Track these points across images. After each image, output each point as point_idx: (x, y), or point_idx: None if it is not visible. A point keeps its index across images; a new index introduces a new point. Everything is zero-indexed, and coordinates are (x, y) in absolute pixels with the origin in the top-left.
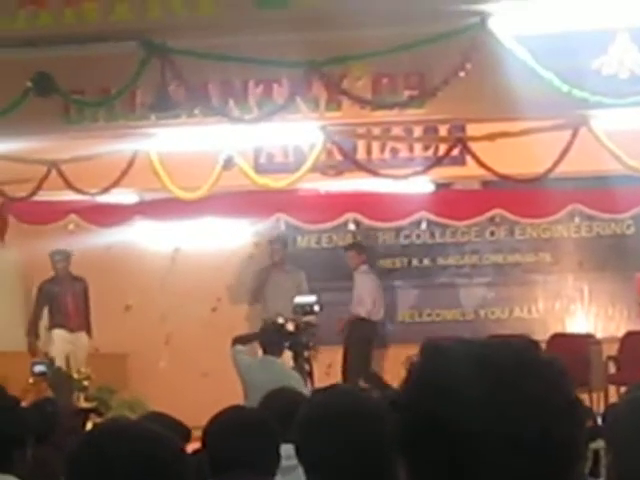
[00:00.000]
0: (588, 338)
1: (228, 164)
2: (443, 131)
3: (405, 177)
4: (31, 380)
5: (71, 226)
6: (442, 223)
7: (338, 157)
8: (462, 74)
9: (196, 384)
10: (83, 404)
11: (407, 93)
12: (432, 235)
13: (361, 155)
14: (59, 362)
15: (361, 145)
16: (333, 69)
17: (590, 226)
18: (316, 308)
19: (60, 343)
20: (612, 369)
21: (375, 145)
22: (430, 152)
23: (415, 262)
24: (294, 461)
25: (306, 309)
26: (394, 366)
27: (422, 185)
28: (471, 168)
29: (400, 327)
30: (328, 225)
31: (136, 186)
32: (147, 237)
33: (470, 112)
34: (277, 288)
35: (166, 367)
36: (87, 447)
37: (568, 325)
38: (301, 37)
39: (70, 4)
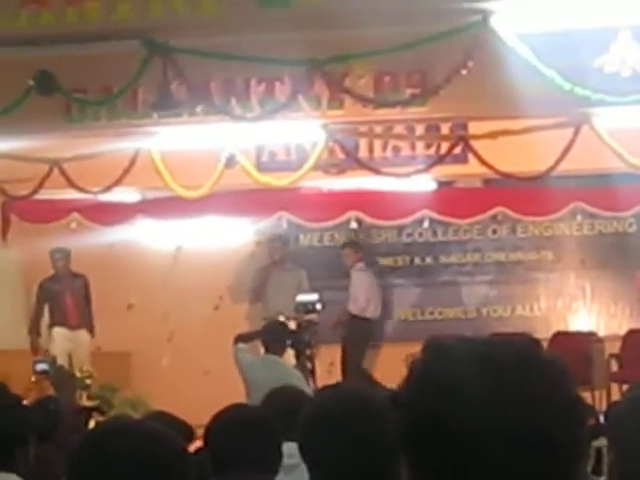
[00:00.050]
0: (590, 336)
1: (230, 162)
2: (445, 129)
3: (407, 175)
4: (33, 378)
5: (73, 225)
6: (444, 221)
7: (340, 155)
8: (464, 72)
9: (198, 382)
10: (85, 402)
11: (409, 91)
12: (434, 233)
13: (363, 153)
14: (61, 360)
15: (363, 143)
16: (335, 67)
17: (592, 224)
18: (318, 306)
19: (60, 341)
20: (614, 367)
21: (377, 143)
22: (432, 150)
23: (417, 260)
24: (296, 459)
25: (308, 307)
26: (396, 364)
27: (424, 183)
28: (473, 166)
29: (402, 325)
30: (330, 223)
31: (138, 185)
32: (149, 236)
33: (472, 110)
34: (278, 287)
35: (168, 365)
36: (89, 446)
37: (570, 323)
38: (303, 36)
39: (72, 3)
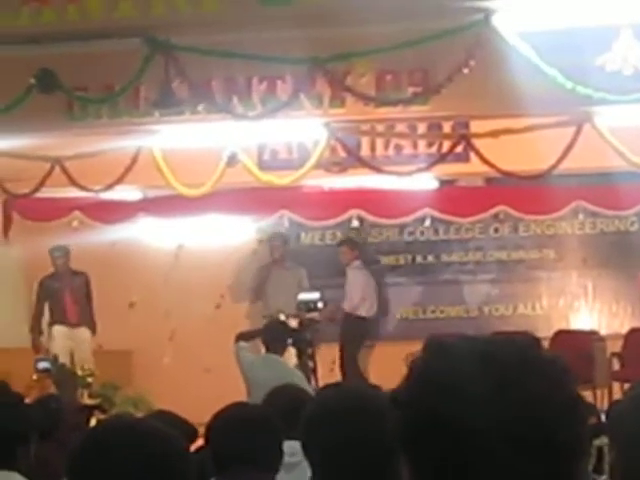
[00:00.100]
0: (592, 335)
1: (232, 161)
2: (447, 128)
3: (409, 174)
4: (35, 377)
5: (75, 223)
6: (446, 220)
7: (342, 154)
8: (466, 71)
9: (200, 381)
10: (87, 401)
11: (411, 90)
12: (436, 232)
13: (365, 152)
14: (63, 358)
15: (365, 142)
16: (337, 66)
17: (594, 223)
18: (319, 305)
19: (60, 339)
20: (616, 366)
21: (379, 142)
22: (434, 149)
23: (419, 259)
24: (297, 458)
25: (310, 306)
26: (398, 363)
27: (426, 182)
28: (475, 165)
29: (404, 324)
30: (332, 222)
31: (140, 183)
32: (151, 234)
33: (474, 109)
34: (278, 285)
35: (170, 364)
36: (90, 444)
37: (572, 322)
38: (305, 34)
39: (73, 1)
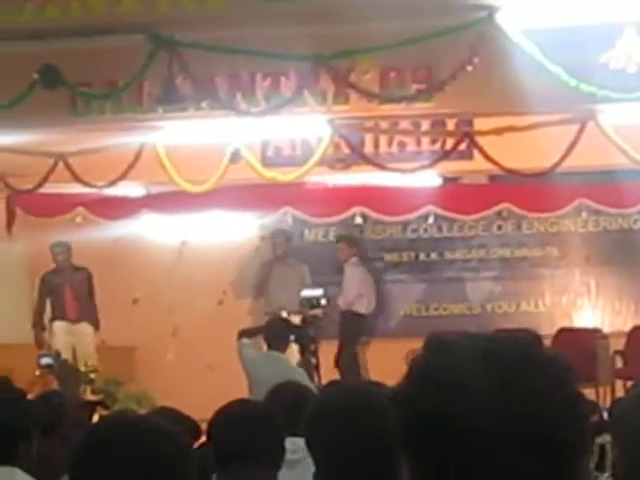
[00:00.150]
0: (595, 332)
1: (235, 157)
2: (451, 125)
3: (412, 171)
4: (37, 372)
5: (78, 219)
6: (449, 217)
7: (346, 151)
8: (470, 68)
9: (203, 377)
10: (90, 397)
11: (415, 87)
12: (439, 229)
13: (368, 149)
14: (65, 354)
15: (369, 139)
16: (341, 62)
17: (597, 221)
18: (323, 302)
19: (60, 335)
20: (619, 363)
21: (382, 139)
22: (437, 146)
23: (422, 256)
24: (300, 455)
25: (313, 302)
26: (400, 360)
27: (429, 179)
28: (478, 162)
29: (407, 321)
30: (335, 219)
31: (143, 179)
32: (154, 230)
33: (478, 106)
34: (280, 282)
35: (173, 360)
36: (93, 440)
37: (575, 319)
38: (308, 30)
39: None
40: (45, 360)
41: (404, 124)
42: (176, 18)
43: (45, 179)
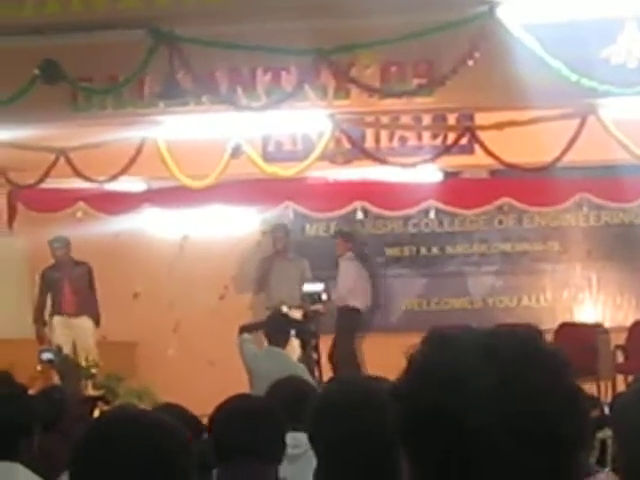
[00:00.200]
0: (596, 327)
1: (236, 152)
2: (452, 120)
3: (413, 165)
4: (39, 368)
5: (79, 214)
6: (450, 212)
7: (346, 145)
8: (471, 63)
9: (203, 372)
10: (91, 392)
11: (416, 81)
12: (440, 224)
13: (369, 143)
14: (65, 349)
15: (369, 133)
16: (341, 57)
17: (598, 215)
18: (324, 296)
19: (59, 329)
20: (620, 358)
21: (383, 133)
22: (438, 141)
23: (423, 251)
24: (301, 449)
25: (314, 298)
26: (401, 355)
27: (430, 174)
28: (479, 157)
29: (408, 315)
30: (336, 213)
31: (144, 174)
32: (155, 225)
33: (478, 101)
34: (280, 276)
35: (174, 355)
36: (93, 435)
37: (576, 314)
38: (309, 25)
39: None
40: (46, 355)
41: (405, 119)
42: (177, 13)
43: (46, 174)
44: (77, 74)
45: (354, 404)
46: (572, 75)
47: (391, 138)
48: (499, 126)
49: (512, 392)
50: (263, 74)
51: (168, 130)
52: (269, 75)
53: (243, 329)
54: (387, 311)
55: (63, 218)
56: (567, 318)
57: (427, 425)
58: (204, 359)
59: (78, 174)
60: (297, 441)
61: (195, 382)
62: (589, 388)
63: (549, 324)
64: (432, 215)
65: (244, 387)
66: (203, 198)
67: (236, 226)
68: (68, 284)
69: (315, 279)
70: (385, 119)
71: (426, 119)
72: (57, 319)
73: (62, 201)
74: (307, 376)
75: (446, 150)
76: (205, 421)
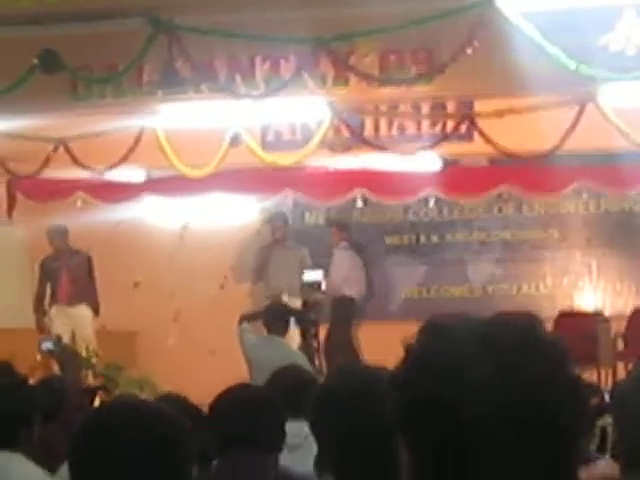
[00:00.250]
0: (596, 315)
1: (235, 141)
2: (451, 108)
3: (412, 152)
4: (39, 357)
5: (79, 203)
6: (450, 200)
7: (346, 134)
8: (469, 51)
9: (204, 362)
10: (91, 381)
11: (415, 69)
12: (440, 212)
13: (369, 132)
14: (66, 339)
15: (369, 122)
16: (340, 45)
17: (598, 202)
18: (324, 285)
19: (57, 319)
20: (620, 346)
21: (382, 122)
22: (438, 129)
23: (423, 239)
24: (301, 439)
25: (314, 287)
26: (402, 343)
27: (430, 162)
28: (478, 144)
29: (408, 303)
30: (335, 202)
31: (144, 163)
32: (155, 214)
33: (477, 89)
34: (279, 265)
35: (174, 344)
36: (93, 425)
37: (576, 301)
38: (308, 13)
39: None
40: (46, 345)
41: (404, 107)
42: (175, 2)
43: (46, 164)
44: (76, 63)
45: (355, 393)
46: (571, 62)
47: (390, 126)
48: (498, 114)
49: (510, 382)
50: (262, 62)
51: (167, 119)
52: (268, 63)
53: (243, 318)
54: (387, 300)
55: (63, 207)
56: (567, 305)
57: (424, 415)
58: (204, 348)
59: (77, 163)
60: (297, 430)
61: (195, 371)
62: (589, 376)
63: (549, 311)
64: (432, 203)
65: (244, 376)
66: (202, 187)
67: (236, 215)
68: (66, 273)
69: (315, 267)
70: (384, 107)
71: (425, 107)
72: (55, 308)
73: (62, 190)
74: (307, 365)
75: (445, 137)
76: (205, 410)
